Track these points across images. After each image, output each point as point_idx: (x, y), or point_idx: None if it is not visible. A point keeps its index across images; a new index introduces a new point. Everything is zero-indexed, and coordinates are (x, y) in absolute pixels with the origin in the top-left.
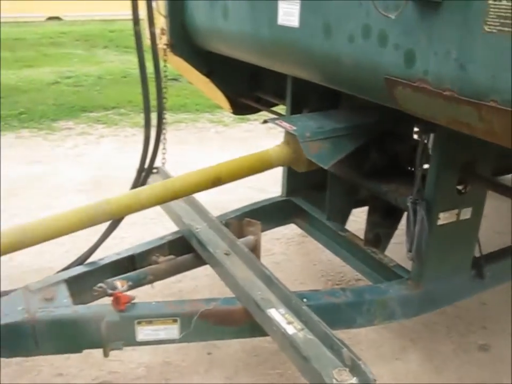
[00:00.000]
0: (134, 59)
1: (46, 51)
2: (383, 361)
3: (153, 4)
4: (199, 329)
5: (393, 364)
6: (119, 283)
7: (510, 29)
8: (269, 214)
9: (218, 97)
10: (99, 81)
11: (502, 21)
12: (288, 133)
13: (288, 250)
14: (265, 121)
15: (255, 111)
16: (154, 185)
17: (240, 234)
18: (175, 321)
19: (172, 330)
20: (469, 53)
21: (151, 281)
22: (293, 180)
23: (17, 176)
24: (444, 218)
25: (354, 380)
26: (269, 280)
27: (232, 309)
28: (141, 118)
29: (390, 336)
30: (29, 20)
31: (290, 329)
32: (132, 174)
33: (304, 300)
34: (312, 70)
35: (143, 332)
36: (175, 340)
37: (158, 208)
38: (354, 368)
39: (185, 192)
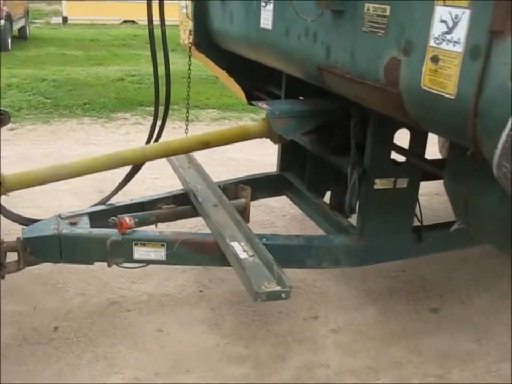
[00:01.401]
0: (197, 62)
1: (116, 51)
2: (343, 311)
3: (183, 9)
4: (181, 254)
5: (351, 314)
6: (127, 218)
7: (376, 30)
8: (262, 185)
9: (237, 89)
10: (161, 80)
11: (372, 24)
12: (266, 112)
13: (290, 225)
14: (251, 104)
15: None
16: (158, 143)
17: (235, 197)
18: (162, 245)
19: (160, 252)
20: (355, 46)
21: (153, 222)
22: (285, 158)
23: (74, 154)
24: (380, 184)
25: (278, 288)
26: (239, 224)
27: (207, 241)
28: (191, 114)
29: (356, 294)
30: (106, 22)
31: (243, 255)
32: None
33: (264, 239)
34: (281, 62)
35: (139, 252)
36: (162, 261)
37: None
38: (280, 280)
39: (181, 150)
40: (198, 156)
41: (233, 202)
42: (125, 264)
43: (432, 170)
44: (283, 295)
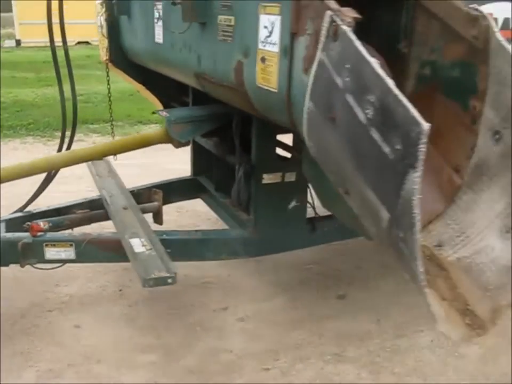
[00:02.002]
0: None
1: (67, 72)
2: (253, 301)
3: (100, 28)
4: (89, 252)
5: (260, 304)
6: (42, 223)
7: (226, 38)
8: (176, 189)
9: (155, 101)
10: (106, 98)
11: (224, 33)
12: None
13: (213, 227)
14: (153, 112)
15: None
16: (65, 152)
17: (149, 201)
18: (71, 245)
19: (70, 252)
20: (215, 53)
21: (68, 226)
22: (198, 163)
23: None
24: (268, 178)
25: (165, 274)
26: (143, 223)
27: (112, 239)
28: (134, 130)
29: (267, 286)
30: (60, 44)
31: (141, 249)
32: None
33: (164, 235)
34: (173, 72)
35: (50, 252)
36: (73, 260)
37: None
38: (168, 269)
39: (87, 158)
40: (134, 168)
41: (146, 205)
42: (45, 266)
43: None
44: (169, 280)
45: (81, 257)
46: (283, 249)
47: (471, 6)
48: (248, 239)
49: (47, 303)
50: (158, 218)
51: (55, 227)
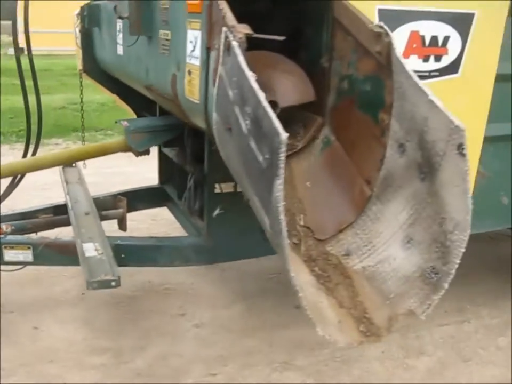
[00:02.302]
0: None
1: (66, 81)
2: (211, 308)
3: (76, 39)
4: (47, 255)
5: (218, 311)
6: (4, 226)
7: (165, 51)
8: (143, 197)
9: (127, 110)
10: (101, 107)
11: (163, 47)
12: None
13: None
14: (116, 122)
15: None
16: (27, 158)
17: (114, 208)
18: (29, 248)
19: (28, 254)
20: (157, 66)
21: (31, 230)
22: (164, 172)
23: None
24: (220, 188)
25: (110, 278)
26: (100, 229)
27: (68, 243)
28: None
29: (228, 294)
30: (61, 53)
31: (93, 253)
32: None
33: (118, 241)
34: (132, 83)
35: (8, 255)
36: (31, 262)
37: None
38: (114, 272)
39: (48, 164)
40: (116, 176)
41: (111, 212)
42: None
43: None
44: (113, 283)
45: (38, 259)
46: (236, 258)
47: (377, 23)
48: (201, 246)
49: (9, 304)
50: (122, 224)
51: (19, 231)
